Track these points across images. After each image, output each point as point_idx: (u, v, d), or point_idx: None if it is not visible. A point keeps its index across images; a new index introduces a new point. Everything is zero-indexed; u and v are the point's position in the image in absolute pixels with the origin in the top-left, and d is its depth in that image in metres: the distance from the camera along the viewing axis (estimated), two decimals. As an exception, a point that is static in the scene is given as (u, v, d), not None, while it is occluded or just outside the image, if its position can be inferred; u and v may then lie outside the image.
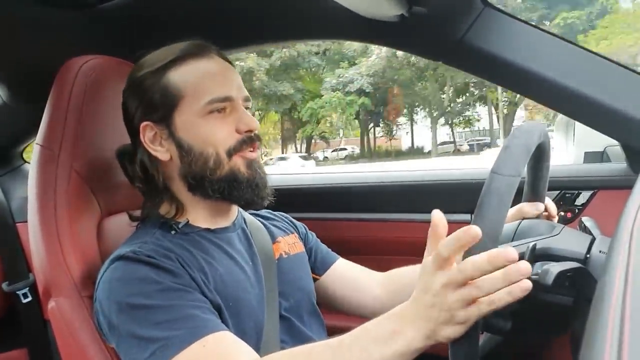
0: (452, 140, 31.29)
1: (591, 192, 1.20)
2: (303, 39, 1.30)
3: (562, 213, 1.21)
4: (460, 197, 1.28)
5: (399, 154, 29.35)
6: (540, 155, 0.81)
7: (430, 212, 0.62)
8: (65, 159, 0.89)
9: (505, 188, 0.58)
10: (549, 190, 0.89)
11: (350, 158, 28.49)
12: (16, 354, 1.29)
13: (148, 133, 0.83)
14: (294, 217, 1.10)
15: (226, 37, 1.12)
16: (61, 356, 0.87)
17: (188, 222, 0.85)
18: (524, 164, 0.63)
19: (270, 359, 0.69)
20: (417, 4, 0.95)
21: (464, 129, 32.52)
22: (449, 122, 29.49)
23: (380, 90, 25.38)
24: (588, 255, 0.70)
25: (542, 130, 0.70)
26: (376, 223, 1.42)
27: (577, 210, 1.21)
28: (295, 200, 1.43)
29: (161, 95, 0.82)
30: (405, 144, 33.74)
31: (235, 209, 0.93)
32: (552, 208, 0.90)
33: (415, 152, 29.64)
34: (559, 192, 1.23)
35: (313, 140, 30.65)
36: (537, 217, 0.88)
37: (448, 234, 0.58)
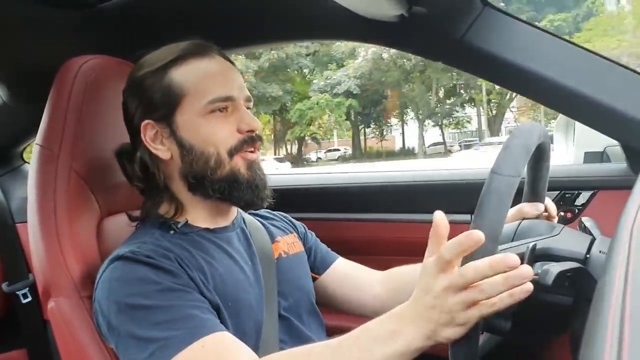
0: (442, 141, 31.39)
1: (591, 192, 1.20)
2: (303, 39, 1.30)
3: (562, 213, 1.21)
4: (460, 197, 1.28)
5: (389, 155, 29.50)
6: (540, 155, 0.81)
7: (430, 212, 0.62)
8: (64, 159, 0.89)
9: (505, 188, 0.58)
10: (548, 190, 0.89)
11: (343, 159, 28.65)
12: (16, 354, 1.29)
13: (149, 131, 0.83)
14: (293, 217, 1.10)
15: (226, 37, 1.12)
16: (61, 356, 0.87)
17: (187, 222, 0.85)
18: (523, 164, 0.63)
19: (270, 359, 0.69)
20: (416, 4, 0.95)
21: (453, 130, 32.65)
22: (439, 124, 29.62)
23: (369, 92, 25.55)
24: (588, 256, 0.70)
25: (541, 131, 0.70)
26: (376, 223, 1.42)
27: (577, 211, 1.21)
28: (294, 200, 1.43)
29: (162, 95, 0.82)
30: (398, 145, 33.82)
31: (235, 209, 0.93)
32: (552, 208, 0.90)
33: (406, 152, 29.74)
34: (558, 192, 1.23)
35: (304, 141, 30.69)
36: (537, 217, 0.88)
37: (448, 235, 0.58)
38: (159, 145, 0.83)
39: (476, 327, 0.56)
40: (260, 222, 0.99)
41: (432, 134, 31.49)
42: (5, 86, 1.22)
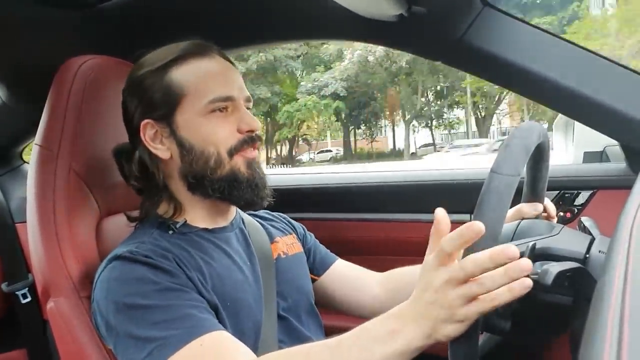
0: (433, 142, 31.50)
1: (590, 192, 1.20)
2: (302, 39, 1.30)
3: (562, 213, 1.21)
4: (460, 197, 1.28)
5: (380, 156, 29.63)
6: (539, 155, 0.81)
7: (429, 212, 0.61)
8: (64, 159, 0.89)
9: (504, 187, 0.58)
10: (548, 190, 0.88)
11: (334, 160, 28.79)
12: (15, 355, 1.29)
13: (149, 131, 0.83)
14: (293, 217, 1.10)
15: (226, 37, 1.12)
16: (60, 356, 0.87)
17: (186, 222, 0.85)
18: (523, 164, 0.63)
19: (268, 358, 0.69)
20: (416, 3, 0.95)
21: (444, 131, 32.77)
22: (429, 125, 29.77)
23: (357, 93, 25.75)
24: (587, 255, 0.70)
25: (541, 130, 0.70)
26: (376, 223, 1.42)
27: (576, 210, 1.21)
28: (294, 200, 1.43)
29: (163, 94, 0.82)
30: (391, 146, 33.85)
31: (234, 209, 0.93)
32: (551, 209, 0.90)
33: (396, 154, 29.84)
34: (558, 192, 1.23)
35: (296, 142, 30.78)
36: (537, 217, 0.88)
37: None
38: (158, 145, 0.83)
39: (476, 326, 0.56)
40: (260, 223, 0.98)
41: (425, 135, 31.59)
42: (5, 86, 1.22)
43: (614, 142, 1.08)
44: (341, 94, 24.38)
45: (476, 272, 0.54)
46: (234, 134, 0.83)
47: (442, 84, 26.36)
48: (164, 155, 0.84)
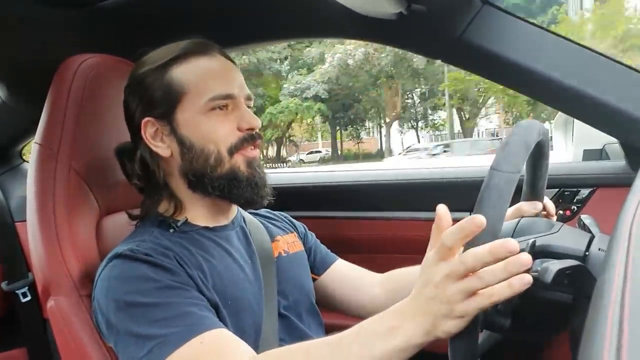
0: (418, 143, 31.57)
1: (590, 189, 1.20)
2: (302, 37, 1.30)
3: (561, 211, 1.21)
4: (460, 195, 1.28)
5: (366, 157, 29.76)
6: (539, 153, 0.80)
7: (430, 209, 0.61)
8: (64, 158, 0.89)
9: (504, 184, 0.58)
10: (548, 188, 0.88)
11: (323, 160, 28.95)
12: (15, 353, 1.29)
13: (149, 129, 0.83)
14: (294, 216, 1.10)
15: (226, 35, 1.12)
16: (60, 355, 0.87)
17: (187, 220, 0.85)
18: (523, 161, 0.63)
19: (268, 356, 0.69)
20: (415, 1, 0.95)
21: (430, 132, 32.85)
22: (414, 127, 29.90)
23: (339, 95, 25.95)
24: (587, 253, 0.70)
25: (541, 128, 0.70)
26: (376, 221, 1.43)
27: (576, 208, 1.21)
28: (295, 199, 1.43)
29: (163, 92, 0.82)
30: (379, 147, 33.90)
31: (235, 208, 0.93)
32: (551, 207, 0.90)
33: (382, 155, 29.93)
34: (558, 189, 1.23)
35: (284, 144, 30.84)
36: (536, 216, 0.88)
37: None
38: (159, 143, 0.84)
39: (475, 323, 0.56)
40: (260, 222, 0.99)
41: (411, 137, 31.70)
42: (5, 85, 1.22)
43: (614, 139, 1.08)
44: (323, 96, 24.52)
45: (476, 266, 0.54)
46: (234, 132, 0.83)
47: (422, 87, 26.63)
48: (164, 153, 0.84)
